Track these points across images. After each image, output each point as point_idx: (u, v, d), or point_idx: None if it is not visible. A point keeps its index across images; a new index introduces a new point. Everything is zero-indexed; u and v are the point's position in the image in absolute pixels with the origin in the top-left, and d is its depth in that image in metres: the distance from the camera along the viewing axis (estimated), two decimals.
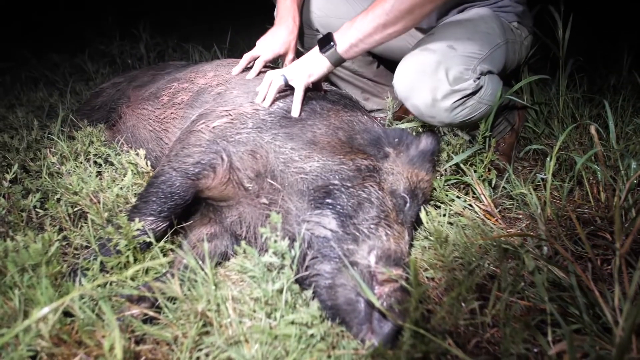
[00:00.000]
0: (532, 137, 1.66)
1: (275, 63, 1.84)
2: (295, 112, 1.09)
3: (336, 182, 0.95)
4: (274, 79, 1.13)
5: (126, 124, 1.59)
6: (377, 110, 1.70)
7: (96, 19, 3.76)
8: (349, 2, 1.48)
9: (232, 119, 1.12)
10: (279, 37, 1.33)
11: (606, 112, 1.28)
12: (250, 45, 3.03)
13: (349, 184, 0.95)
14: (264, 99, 1.13)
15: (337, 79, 1.65)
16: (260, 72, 1.31)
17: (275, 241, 0.78)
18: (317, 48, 1.14)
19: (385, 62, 1.67)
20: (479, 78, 1.18)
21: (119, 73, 2.45)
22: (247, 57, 1.32)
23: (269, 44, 1.32)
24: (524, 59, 1.48)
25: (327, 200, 0.92)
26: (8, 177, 1.27)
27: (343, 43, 1.10)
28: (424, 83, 1.14)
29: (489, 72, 1.23)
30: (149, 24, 3.21)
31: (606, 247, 1.03)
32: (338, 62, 1.14)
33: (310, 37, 1.54)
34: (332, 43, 1.11)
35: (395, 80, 1.19)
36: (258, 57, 1.32)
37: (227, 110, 1.15)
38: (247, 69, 1.37)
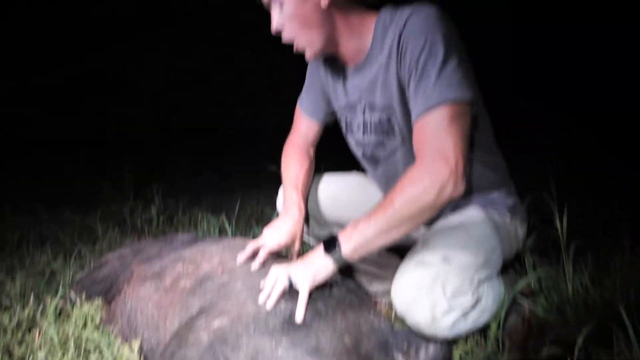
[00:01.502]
0: (545, 323, 1.59)
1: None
2: (298, 316, 1.06)
3: None
4: (279, 279, 1.12)
5: (125, 304, 1.54)
6: (382, 293, 1.67)
7: (114, 176, 3.99)
8: (350, 194, 1.58)
9: (233, 320, 1.08)
10: (284, 227, 1.38)
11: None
12: (258, 211, 3.14)
13: None
14: (268, 298, 1.11)
15: None
16: (265, 262, 1.31)
17: None
18: (321, 248, 1.15)
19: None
20: (477, 289, 1.17)
21: (125, 243, 2.50)
22: (252, 246, 1.34)
23: (274, 234, 1.36)
24: (522, 246, 1.50)
25: None
26: None
27: (347, 246, 1.12)
28: (421, 301, 1.12)
29: (488, 279, 1.22)
30: (163, 184, 3.41)
31: None
32: (343, 264, 1.15)
33: (314, 225, 1.59)
34: (336, 245, 1.13)
35: (393, 296, 1.19)
36: (263, 246, 1.33)
37: (228, 308, 1.12)
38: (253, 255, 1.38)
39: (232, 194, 3.76)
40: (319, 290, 1.20)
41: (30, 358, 1.31)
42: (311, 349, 0.99)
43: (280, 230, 1.38)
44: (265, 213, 3.00)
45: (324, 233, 1.61)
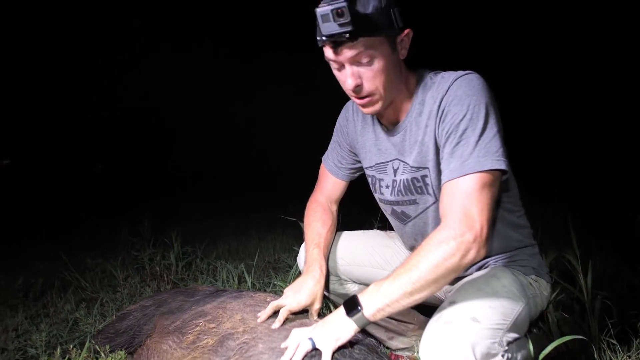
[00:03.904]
0: None
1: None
2: None
3: None
4: (301, 343, 1.13)
5: (147, 358, 1.56)
6: (403, 349, 1.65)
7: (133, 220, 4.07)
8: (369, 252, 1.60)
9: None
10: (306, 287, 1.39)
11: None
12: (274, 260, 3.17)
13: None
14: None
15: None
16: (286, 320, 1.33)
17: None
18: (343, 310, 1.16)
19: None
20: (506, 350, 1.16)
21: (146, 292, 2.53)
22: (273, 305, 1.36)
23: (295, 295, 1.38)
24: (547, 306, 1.48)
25: None
26: None
27: (370, 307, 1.13)
28: None
29: (516, 339, 1.21)
30: (181, 229, 3.46)
31: None
32: (365, 325, 1.15)
33: (333, 283, 1.61)
34: (358, 307, 1.13)
35: (421, 355, 1.17)
36: (284, 307, 1.35)
37: None
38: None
39: (248, 239, 3.81)
40: (340, 351, 1.21)
41: None
42: None
43: (301, 290, 1.39)
44: (281, 261, 3.03)
45: (344, 291, 1.63)
